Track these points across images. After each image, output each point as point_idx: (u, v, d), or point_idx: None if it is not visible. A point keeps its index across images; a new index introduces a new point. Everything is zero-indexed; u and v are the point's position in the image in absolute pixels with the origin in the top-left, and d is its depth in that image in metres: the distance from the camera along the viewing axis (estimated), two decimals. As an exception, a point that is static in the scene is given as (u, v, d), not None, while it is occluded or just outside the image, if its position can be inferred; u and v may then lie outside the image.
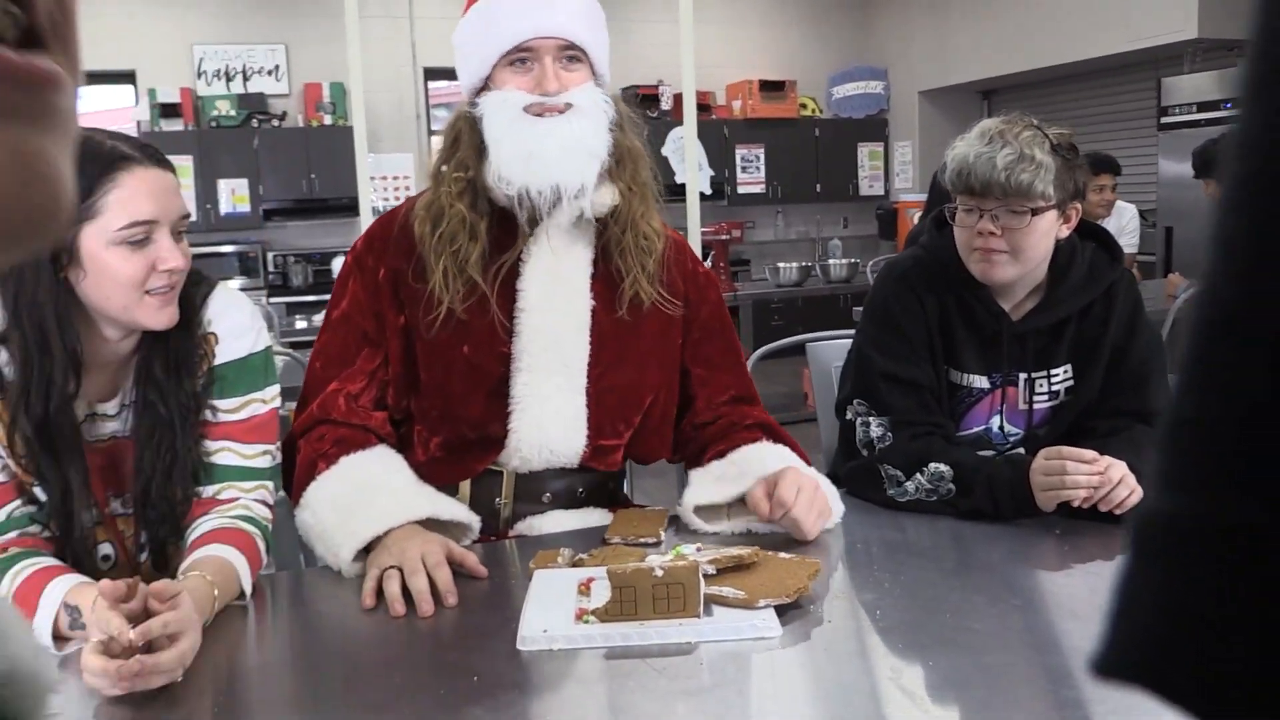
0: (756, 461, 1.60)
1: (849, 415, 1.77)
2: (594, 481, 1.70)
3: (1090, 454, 1.51)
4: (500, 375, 1.58)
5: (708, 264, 6.17)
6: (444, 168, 1.59)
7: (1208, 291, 0.26)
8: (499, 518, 1.64)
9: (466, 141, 1.56)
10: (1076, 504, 1.52)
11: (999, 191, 1.64)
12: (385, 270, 1.60)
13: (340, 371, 1.60)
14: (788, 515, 1.47)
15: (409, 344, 1.60)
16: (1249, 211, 0.25)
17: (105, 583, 1.16)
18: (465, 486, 1.63)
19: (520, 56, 1.52)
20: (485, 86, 1.57)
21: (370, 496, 1.48)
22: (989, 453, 1.81)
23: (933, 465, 1.63)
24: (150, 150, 1.38)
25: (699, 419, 1.72)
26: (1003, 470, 1.59)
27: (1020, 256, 1.69)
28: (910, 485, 1.65)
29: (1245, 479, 0.25)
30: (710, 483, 1.61)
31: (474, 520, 1.55)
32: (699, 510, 1.59)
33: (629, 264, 1.60)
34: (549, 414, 1.58)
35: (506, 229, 1.59)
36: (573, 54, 1.54)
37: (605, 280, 1.62)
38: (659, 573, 1.22)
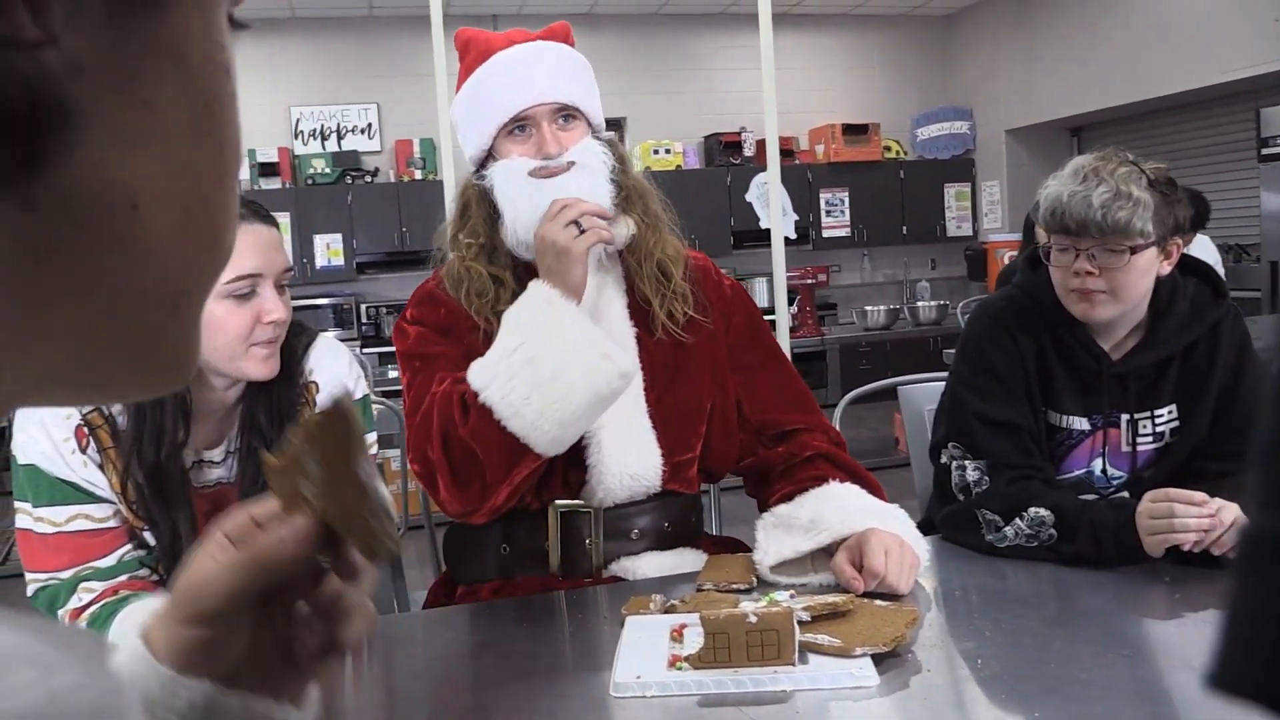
0: (827, 510, 1.55)
1: (944, 459, 1.74)
2: (677, 513, 1.71)
3: (1200, 496, 1.46)
4: None
5: (793, 309, 6.14)
6: (459, 236, 1.67)
7: None
8: (591, 560, 1.65)
9: (476, 211, 1.64)
10: (1186, 548, 1.46)
11: (1095, 230, 1.61)
12: (439, 317, 1.67)
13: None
14: (883, 582, 1.44)
15: None
16: None
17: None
18: (554, 528, 1.64)
19: (518, 125, 1.60)
20: (489, 156, 1.64)
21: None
22: (1091, 497, 1.75)
23: (1033, 510, 1.58)
24: (255, 206, 1.44)
25: (751, 424, 1.72)
26: (1107, 514, 1.54)
27: (1120, 295, 1.64)
28: (1009, 530, 1.60)
29: None
30: (780, 534, 1.57)
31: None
32: (777, 568, 1.54)
33: (652, 290, 1.66)
34: (623, 441, 1.61)
35: (529, 275, 1.61)
36: (567, 114, 1.61)
37: (637, 309, 1.68)
38: (753, 619, 1.20)
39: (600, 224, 1.54)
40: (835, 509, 1.55)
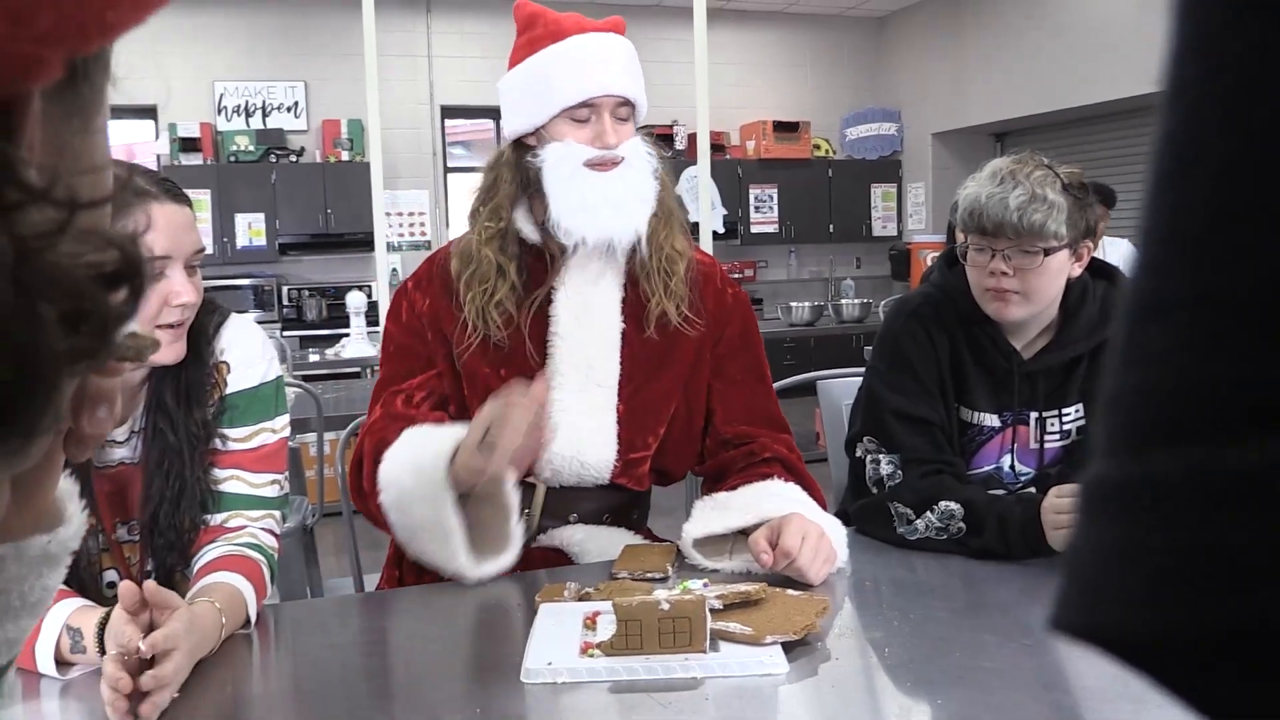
0: (764, 497, 1.59)
1: (859, 452, 1.77)
2: (620, 505, 1.75)
3: None
4: None
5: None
6: (480, 209, 1.68)
7: (1137, 280, 0.28)
8: (526, 529, 1.66)
9: (505, 188, 1.65)
10: None
11: (1011, 232, 1.64)
12: (430, 303, 1.69)
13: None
14: (793, 564, 1.46)
15: (454, 369, 1.68)
16: (1169, 201, 0.28)
17: (126, 585, 1.16)
18: None
19: (581, 112, 1.61)
20: (538, 133, 1.64)
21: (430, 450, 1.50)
22: (1000, 492, 1.79)
23: (943, 504, 1.62)
24: (168, 185, 1.40)
25: (720, 434, 1.75)
26: (1014, 509, 1.57)
27: (1033, 297, 1.68)
28: (920, 523, 1.63)
29: (1170, 436, 0.26)
30: (710, 513, 1.61)
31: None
32: (700, 545, 1.58)
33: (654, 285, 1.67)
34: (582, 430, 1.65)
35: (539, 263, 1.67)
36: (627, 107, 1.64)
37: (633, 303, 1.69)
38: (665, 607, 1.21)
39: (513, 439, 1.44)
40: (771, 498, 1.59)
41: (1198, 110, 0.27)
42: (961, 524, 1.60)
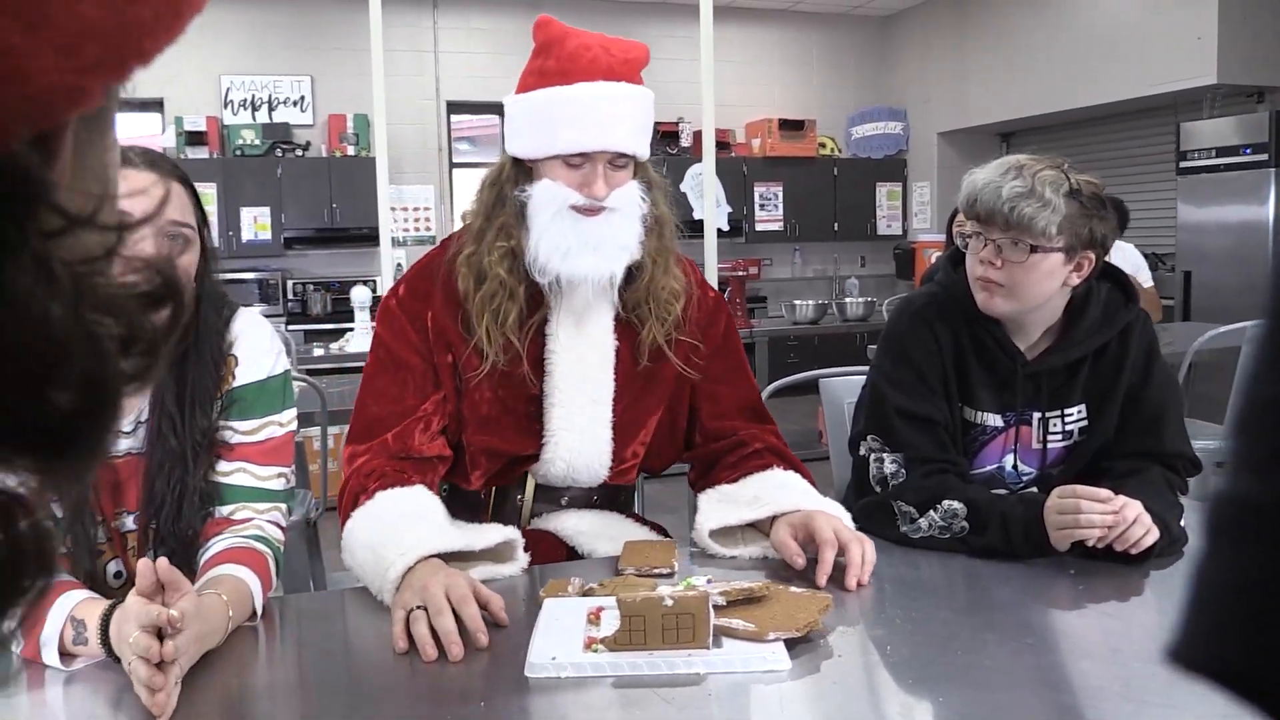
0: (771, 488, 1.63)
1: (862, 451, 1.77)
2: (606, 494, 1.80)
3: (1105, 493, 1.50)
4: (531, 413, 1.69)
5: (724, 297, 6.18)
6: (487, 226, 1.66)
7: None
8: (519, 514, 1.72)
9: (511, 206, 1.65)
10: (1091, 544, 1.51)
11: (1000, 221, 1.65)
12: (433, 314, 1.68)
13: (399, 408, 1.64)
14: (844, 555, 1.48)
15: (457, 383, 1.68)
16: None
17: (143, 564, 1.17)
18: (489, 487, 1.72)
19: (575, 159, 1.61)
20: (534, 164, 1.65)
21: (397, 534, 1.46)
22: (1002, 491, 1.80)
23: (946, 503, 1.62)
24: (151, 156, 1.39)
25: (707, 428, 1.79)
26: (1017, 509, 1.58)
27: (1015, 292, 1.67)
28: (923, 522, 1.64)
29: None
30: (723, 506, 1.65)
31: (516, 537, 1.55)
32: (712, 536, 1.62)
33: (645, 318, 1.69)
34: (578, 445, 1.68)
35: (535, 285, 1.67)
36: (624, 158, 1.64)
37: (626, 329, 1.71)
38: (669, 602, 1.21)
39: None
40: (777, 488, 1.64)
41: None
42: (965, 523, 1.60)
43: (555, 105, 1.60)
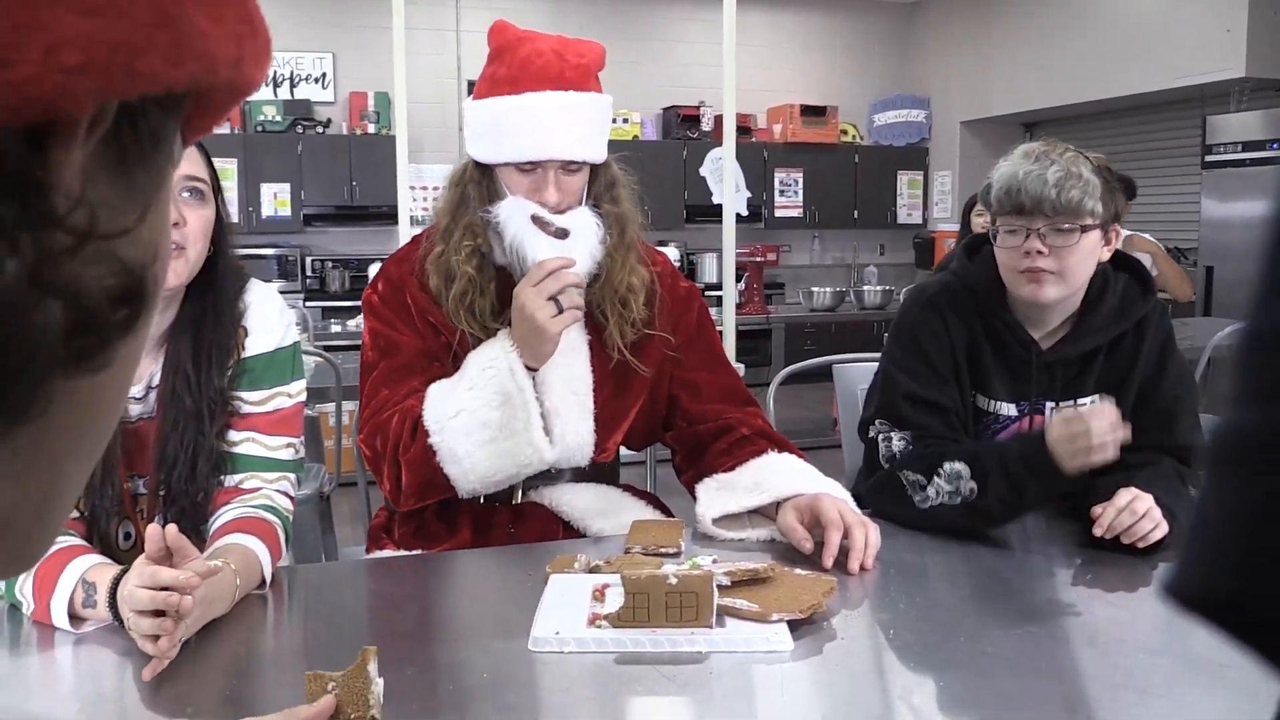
0: (769, 474, 1.64)
1: (871, 433, 1.77)
2: (595, 470, 1.81)
3: (1109, 408, 1.51)
4: None
5: (740, 285, 6.18)
6: (453, 226, 1.70)
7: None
8: (513, 489, 1.74)
9: (475, 205, 1.68)
10: (1100, 534, 1.51)
11: (1049, 208, 1.63)
12: (415, 303, 1.72)
13: (404, 389, 1.67)
14: (848, 539, 1.49)
15: (452, 361, 1.71)
16: None
17: (152, 530, 1.18)
18: None
19: (525, 165, 1.65)
20: (491, 169, 1.69)
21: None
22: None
23: (948, 465, 1.62)
24: None
25: (689, 413, 1.80)
26: (1012, 447, 1.59)
27: (1067, 276, 1.67)
28: (931, 490, 1.63)
29: None
30: (723, 494, 1.65)
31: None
32: (716, 522, 1.62)
33: (609, 314, 1.72)
34: (565, 434, 1.69)
35: (507, 284, 1.69)
36: (574, 166, 1.66)
37: (594, 324, 1.75)
38: (673, 581, 1.22)
39: (577, 299, 1.61)
40: (776, 472, 1.65)
41: None
42: (971, 483, 1.60)
43: (505, 113, 1.64)
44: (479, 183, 1.69)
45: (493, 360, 1.60)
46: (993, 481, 1.57)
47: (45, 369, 0.27)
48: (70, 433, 0.31)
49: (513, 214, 1.65)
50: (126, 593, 1.15)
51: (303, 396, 1.56)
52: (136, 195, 0.30)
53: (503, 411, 1.58)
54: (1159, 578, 1.48)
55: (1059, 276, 1.67)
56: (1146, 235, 4.71)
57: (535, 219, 1.64)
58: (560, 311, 1.58)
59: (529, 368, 1.61)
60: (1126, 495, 1.51)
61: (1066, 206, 1.63)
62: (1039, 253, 1.65)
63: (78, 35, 0.24)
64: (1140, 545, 1.50)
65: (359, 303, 7.21)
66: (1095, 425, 1.48)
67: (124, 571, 1.22)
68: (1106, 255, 1.72)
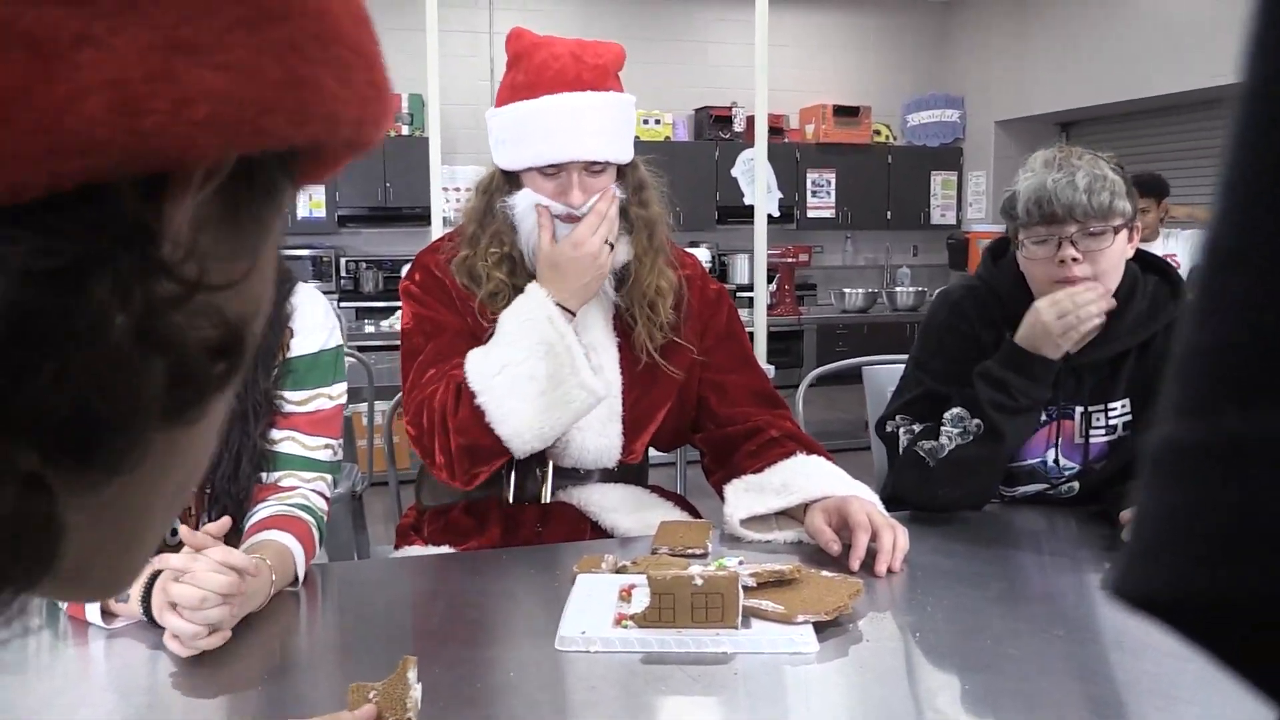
0: (800, 477, 1.64)
1: (889, 428, 1.78)
2: (623, 471, 1.82)
3: (1091, 284, 1.61)
4: None
5: (771, 286, 6.16)
6: (480, 234, 1.72)
7: (1214, 231, 0.28)
8: (540, 484, 1.76)
9: (501, 214, 1.70)
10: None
11: (1081, 213, 1.63)
12: (454, 289, 1.73)
13: (449, 366, 1.68)
14: (874, 541, 1.50)
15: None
16: (1249, 155, 0.28)
17: (184, 532, 1.22)
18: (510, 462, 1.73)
19: (549, 169, 1.66)
20: (515, 174, 1.70)
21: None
22: (1041, 486, 1.79)
23: (946, 414, 1.67)
24: None
25: (718, 416, 1.81)
26: (989, 364, 1.66)
27: (1105, 279, 1.67)
28: (943, 439, 1.67)
29: (1244, 397, 0.26)
30: (750, 495, 1.66)
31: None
32: (744, 523, 1.63)
33: (637, 317, 1.74)
34: (592, 437, 1.72)
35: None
36: (599, 164, 1.67)
37: (623, 326, 1.76)
38: (699, 582, 1.23)
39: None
40: (804, 474, 1.65)
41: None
42: (975, 420, 1.64)
43: (526, 119, 1.65)
44: (505, 190, 1.71)
45: (530, 312, 1.61)
46: (981, 392, 1.63)
47: (144, 422, 0.27)
48: (159, 480, 0.31)
49: (530, 208, 1.67)
50: (192, 580, 1.18)
51: (343, 399, 1.59)
52: (245, 248, 0.30)
53: (548, 362, 1.58)
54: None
55: (1098, 281, 1.67)
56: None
57: (556, 215, 1.66)
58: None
59: (565, 310, 1.62)
60: None
61: (1100, 210, 1.63)
62: (1074, 260, 1.65)
63: (208, 90, 0.25)
64: None
65: (392, 303, 7.26)
66: (1080, 298, 1.55)
67: (157, 574, 1.24)
68: (1130, 252, 1.72)
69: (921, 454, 1.68)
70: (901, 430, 1.76)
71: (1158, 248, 4.64)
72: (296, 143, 0.28)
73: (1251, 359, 0.26)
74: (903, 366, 1.96)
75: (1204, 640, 0.26)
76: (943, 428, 1.66)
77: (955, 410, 1.66)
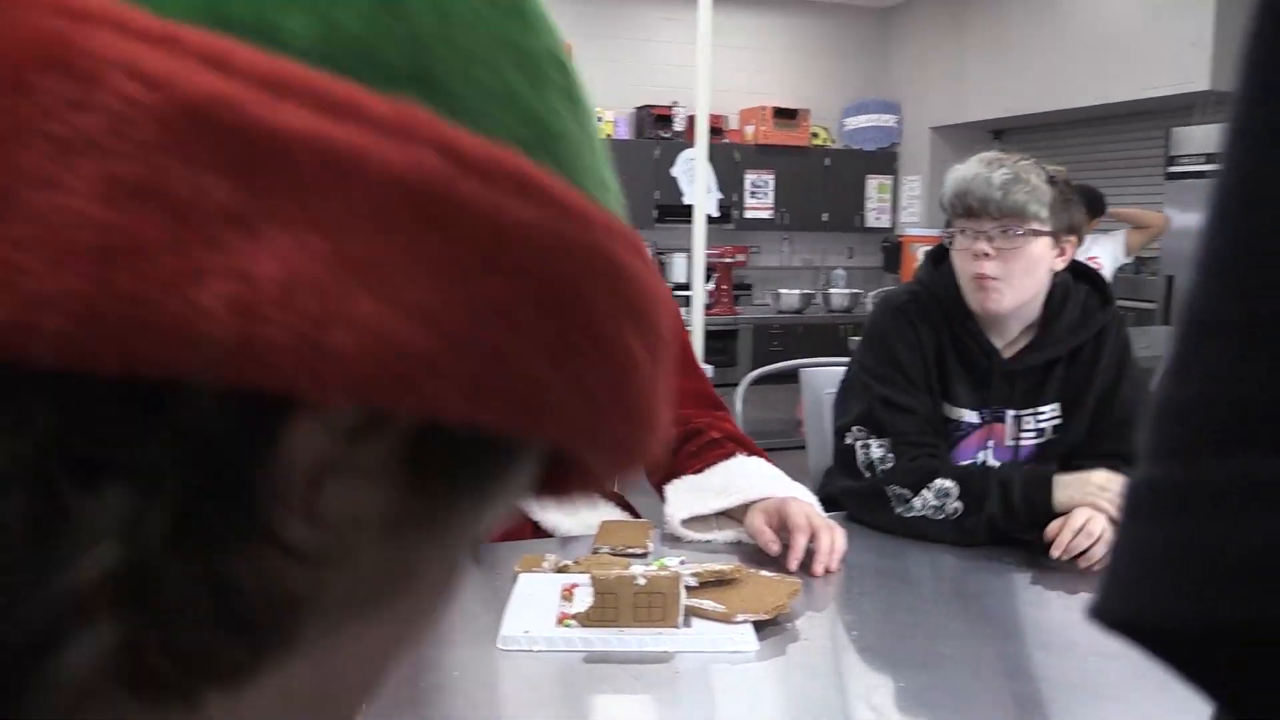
0: (740, 478, 1.65)
1: (848, 440, 1.80)
2: None
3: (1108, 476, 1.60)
4: None
5: (709, 286, 6.17)
6: None
7: (1194, 301, 0.30)
8: None
9: None
10: (1057, 555, 1.53)
11: (995, 209, 1.67)
12: None
13: None
14: (811, 543, 1.51)
15: None
16: (1224, 238, 0.30)
17: None
18: None
19: None
20: None
21: None
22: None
23: (939, 481, 1.65)
24: None
25: None
26: (1013, 473, 1.63)
27: (1015, 283, 1.70)
28: (917, 502, 1.67)
29: (1220, 445, 0.28)
30: (691, 495, 1.67)
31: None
32: (685, 523, 1.64)
33: None
34: None
35: None
36: None
37: None
38: (641, 581, 1.24)
39: None
40: (744, 475, 1.66)
41: (1262, 151, 0.29)
42: (958, 503, 1.63)
43: None
44: None
45: None
46: (989, 503, 1.61)
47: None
48: None
49: None
50: None
51: None
52: (404, 541, 0.27)
53: None
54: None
55: (1006, 283, 1.70)
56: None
57: None
58: None
59: None
60: (1082, 515, 1.54)
61: (1012, 209, 1.67)
62: (985, 255, 1.69)
63: (359, 320, 0.21)
64: (1096, 570, 1.53)
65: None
66: (1107, 503, 1.55)
67: None
68: (1059, 265, 1.75)
69: (889, 496, 1.70)
70: (859, 445, 1.77)
71: (1080, 252, 4.76)
72: (484, 423, 0.23)
73: (1229, 413, 0.28)
74: (839, 369, 1.99)
75: (1179, 662, 0.29)
76: (924, 492, 1.66)
77: (944, 483, 1.65)
